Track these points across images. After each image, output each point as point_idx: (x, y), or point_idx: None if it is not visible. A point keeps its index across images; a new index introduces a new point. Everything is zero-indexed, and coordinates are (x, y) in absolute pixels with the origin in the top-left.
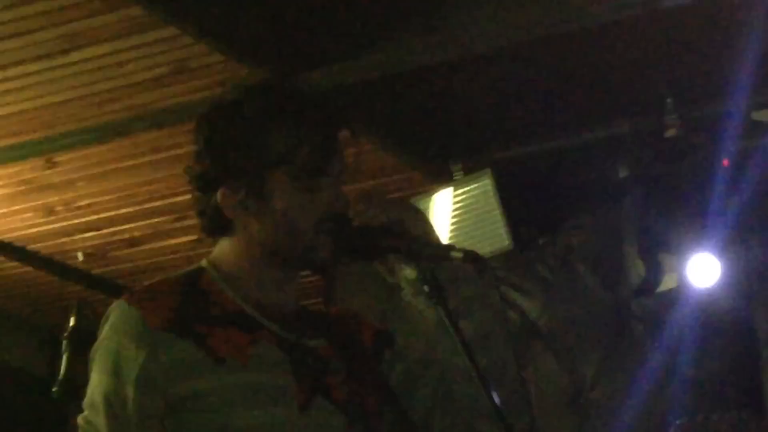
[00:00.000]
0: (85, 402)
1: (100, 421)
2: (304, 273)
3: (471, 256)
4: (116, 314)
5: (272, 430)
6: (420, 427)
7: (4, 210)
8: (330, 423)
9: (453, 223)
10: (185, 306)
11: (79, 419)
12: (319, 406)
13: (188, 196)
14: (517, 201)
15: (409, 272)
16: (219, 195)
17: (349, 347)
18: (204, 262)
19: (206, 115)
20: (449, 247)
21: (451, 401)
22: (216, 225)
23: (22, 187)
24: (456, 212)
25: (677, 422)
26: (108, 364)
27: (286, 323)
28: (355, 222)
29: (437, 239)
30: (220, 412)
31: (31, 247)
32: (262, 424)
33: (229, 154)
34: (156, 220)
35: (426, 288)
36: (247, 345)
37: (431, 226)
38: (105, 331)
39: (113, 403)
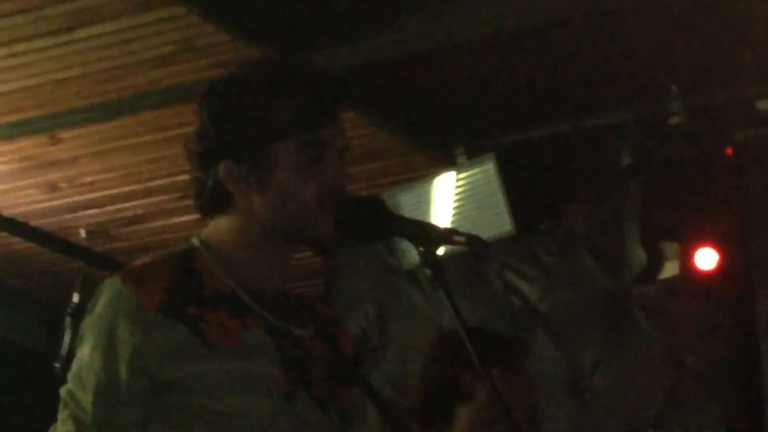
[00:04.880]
0: (72, 374)
1: (87, 397)
2: (304, 253)
3: (474, 241)
4: (110, 292)
5: (256, 417)
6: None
7: (8, 186)
8: (311, 416)
9: (455, 207)
10: (178, 287)
11: (62, 391)
12: (302, 398)
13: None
14: (520, 186)
15: (411, 255)
16: (221, 169)
17: (332, 343)
18: (195, 241)
19: (210, 90)
20: (452, 231)
21: None
22: (215, 202)
23: (26, 163)
24: (458, 196)
25: None
26: (101, 342)
27: (274, 308)
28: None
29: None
30: (206, 397)
31: (34, 223)
32: (246, 411)
33: (233, 127)
34: (159, 198)
35: (428, 271)
36: (238, 330)
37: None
38: (98, 308)
39: (103, 381)
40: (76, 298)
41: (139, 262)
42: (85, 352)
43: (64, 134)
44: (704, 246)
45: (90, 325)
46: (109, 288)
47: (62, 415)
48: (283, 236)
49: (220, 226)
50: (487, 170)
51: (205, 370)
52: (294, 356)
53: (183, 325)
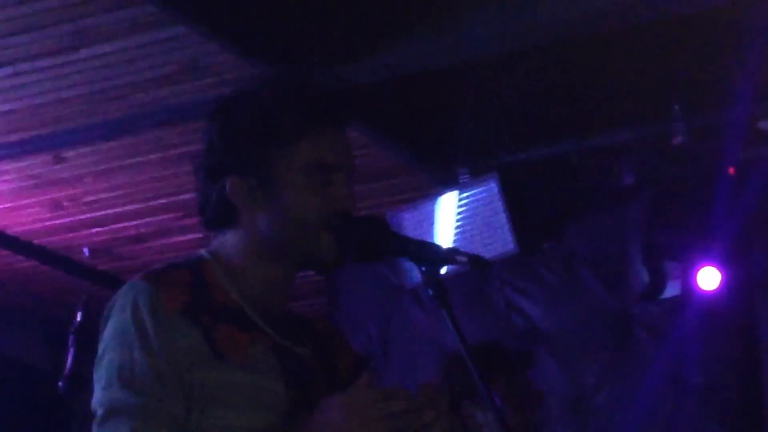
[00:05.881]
0: (108, 382)
1: (140, 388)
2: (307, 272)
3: (476, 261)
4: (135, 292)
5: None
6: None
7: (12, 204)
8: None
9: (458, 226)
10: (195, 295)
11: (98, 402)
12: (301, 418)
13: (195, 194)
14: (522, 205)
15: (414, 274)
16: (228, 183)
17: (330, 364)
18: (204, 253)
19: (220, 105)
20: (455, 251)
21: None
22: (220, 217)
23: (30, 182)
24: (462, 215)
25: None
26: (132, 340)
27: (278, 326)
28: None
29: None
30: (210, 406)
31: (38, 241)
32: (245, 425)
33: (242, 143)
34: (162, 217)
35: (430, 290)
36: (246, 345)
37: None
38: (125, 308)
39: (147, 373)
40: (78, 317)
41: (156, 267)
42: (116, 355)
43: (68, 153)
44: (706, 265)
45: (117, 325)
46: (134, 288)
47: (112, 423)
48: (285, 255)
49: (227, 239)
50: (490, 189)
51: (213, 378)
52: (297, 375)
53: (199, 330)
